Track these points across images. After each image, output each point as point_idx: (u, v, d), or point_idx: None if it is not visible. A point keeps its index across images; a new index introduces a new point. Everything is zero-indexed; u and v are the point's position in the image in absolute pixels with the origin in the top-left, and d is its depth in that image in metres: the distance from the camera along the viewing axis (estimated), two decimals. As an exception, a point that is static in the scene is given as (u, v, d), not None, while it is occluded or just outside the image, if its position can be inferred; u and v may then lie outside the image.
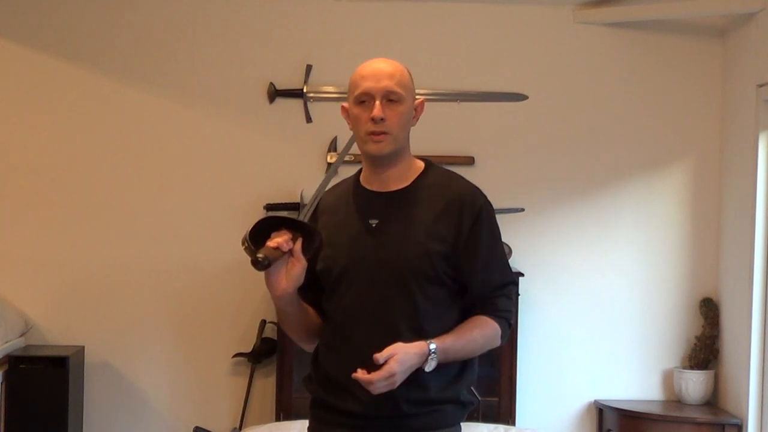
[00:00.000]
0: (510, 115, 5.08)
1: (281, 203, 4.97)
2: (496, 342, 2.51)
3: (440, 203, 2.48)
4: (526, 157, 5.09)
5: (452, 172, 2.61)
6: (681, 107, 5.12)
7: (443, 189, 2.51)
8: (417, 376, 2.37)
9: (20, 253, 5.00)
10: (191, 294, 5.03)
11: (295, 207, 4.94)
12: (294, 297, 2.42)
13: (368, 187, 2.54)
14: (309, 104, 5.02)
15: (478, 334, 2.45)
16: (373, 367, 2.31)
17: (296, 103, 5.04)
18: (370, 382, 2.29)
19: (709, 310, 5.00)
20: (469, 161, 4.95)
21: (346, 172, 2.44)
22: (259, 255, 2.29)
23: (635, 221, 5.11)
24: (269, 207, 4.97)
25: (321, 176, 4.93)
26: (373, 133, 2.45)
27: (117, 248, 5.02)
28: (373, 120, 2.44)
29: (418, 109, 2.55)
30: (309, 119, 5.03)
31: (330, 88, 5.02)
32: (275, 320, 4.82)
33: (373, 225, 2.47)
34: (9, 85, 5.04)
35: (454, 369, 2.45)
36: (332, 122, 5.03)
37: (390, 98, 2.46)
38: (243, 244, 2.35)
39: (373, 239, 2.46)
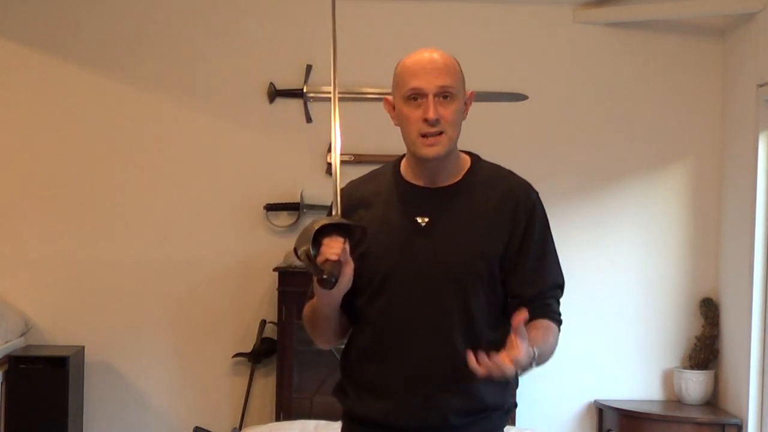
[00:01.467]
0: (510, 115, 5.08)
1: (281, 203, 4.97)
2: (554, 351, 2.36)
3: (494, 200, 2.33)
4: (526, 157, 5.07)
5: (500, 166, 2.44)
6: (681, 107, 5.12)
7: (495, 185, 2.36)
8: (462, 385, 2.26)
9: (20, 253, 5.00)
10: (191, 294, 5.03)
11: (295, 207, 4.94)
12: (339, 301, 2.27)
13: (413, 181, 2.36)
14: (309, 104, 5.02)
15: (553, 340, 2.29)
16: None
17: (296, 103, 5.04)
18: (497, 366, 2.06)
19: (709, 310, 5.00)
20: (469, 161, 4.94)
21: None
22: (325, 275, 2.14)
23: (635, 221, 5.11)
24: (269, 207, 4.97)
25: (321, 176, 4.94)
26: (427, 135, 2.27)
27: (117, 248, 5.02)
28: (428, 122, 2.25)
29: (468, 102, 2.36)
30: (309, 119, 5.03)
31: (330, 88, 5.02)
32: (275, 320, 4.82)
33: (423, 224, 2.30)
34: (9, 86, 5.04)
35: None
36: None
37: (444, 95, 2.27)
38: (302, 258, 2.17)
39: (424, 239, 2.29)
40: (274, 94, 5.02)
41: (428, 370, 2.29)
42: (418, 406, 2.30)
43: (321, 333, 2.39)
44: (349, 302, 2.33)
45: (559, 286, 2.39)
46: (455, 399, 2.29)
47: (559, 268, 2.40)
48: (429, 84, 2.27)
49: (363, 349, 2.36)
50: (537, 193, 2.39)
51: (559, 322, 2.36)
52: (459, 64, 2.35)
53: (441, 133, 2.27)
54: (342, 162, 5.09)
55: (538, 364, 2.20)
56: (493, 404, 2.34)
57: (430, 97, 2.27)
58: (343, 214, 2.30)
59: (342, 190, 2.36)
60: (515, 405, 2.44)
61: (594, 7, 5.03)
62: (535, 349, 2.15)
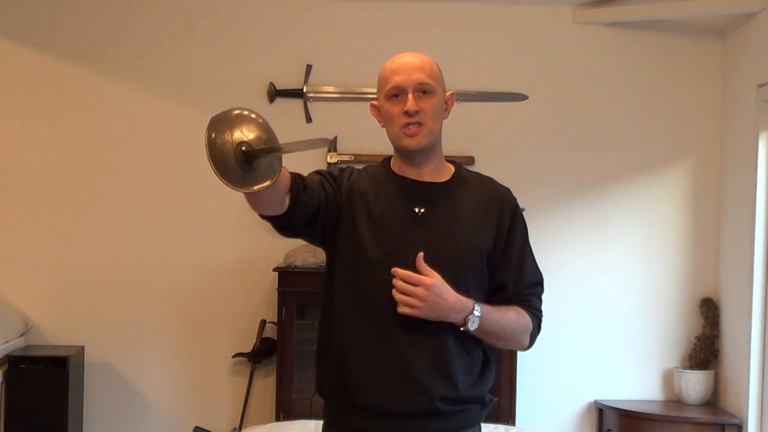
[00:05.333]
0: (510, 115, 5.09)
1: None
2: (526, 338, 2.48)
3: (482, 200, 2.47)
4: (526, 157, 5.09)
5: (481, 173, 2.60)
6: (681, 107, 5.12)
7: (482, 187, 2.51)
8: (447, 372, 2.35)
9: (20, 253, 5.00)
10: (191, 294, 5.03)
11: (295, 207, 4.95)
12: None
13: (404, 175, 2.47)
14: (309, 104, 5.02)
15: (514, 316, 2.42)
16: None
17: (296, 103, 5.04)
18: (403, 278, 2.27)
19: (709, 310, 5.00)
20: (469, 161, 4.95)
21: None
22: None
23: (635, 221, 5.11)
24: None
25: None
26: (408, 126, 2.39)
27: (117, 248, 5.02)
28: (407, 113, 2.38)
29: (449, 102, 2.50)
30: (309, 119, 5.03)
31: (330, 88, 5.02)
32: (275, 320, 4.82)
33: (419, 213, 2.41)
34: (9, 86, 5.04)
35: (477, 365, 2.43)
36: (332, 122, 5.03)
37: (423, 90, 2.41)
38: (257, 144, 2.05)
39: (421, 228, 2.40)
40: (274, 94, 5.02)
41: (417, 355, 2.35)
42: (407, 391, 2.34)
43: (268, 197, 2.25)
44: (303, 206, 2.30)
45: (538, 284, 2.52)
46: (441, 385, 2.35)
47: (537, 267, 2.54)
48: (408, 79, 2.40)
49: (353, 333, 2.39)
50: (516, 198, 2.55)
51: (535, 316, 2.49)
52: (438, 67, 2.48)
53: (421, 124, 2.41)
54: (342, 162, 5.14)
55: (485, 325, 2.35)
56: (472, 396, 2.42)
57: (410, 92, 2.40)
58: (345, 191, 2.41)
59: (347, 167, 2.53)
60: (491, 401, 2.51)
61: (594, 7, 5.03)
62: (477, 306, 2.33)
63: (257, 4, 5.07)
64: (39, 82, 5.03)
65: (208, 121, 2.04)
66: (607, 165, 5.11)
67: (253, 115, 2.10)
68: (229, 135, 2.05)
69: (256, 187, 2.07)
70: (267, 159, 2.08)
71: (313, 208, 2.35)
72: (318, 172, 2.47)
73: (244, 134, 2.06)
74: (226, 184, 2.03)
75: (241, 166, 2.04)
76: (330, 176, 2.45)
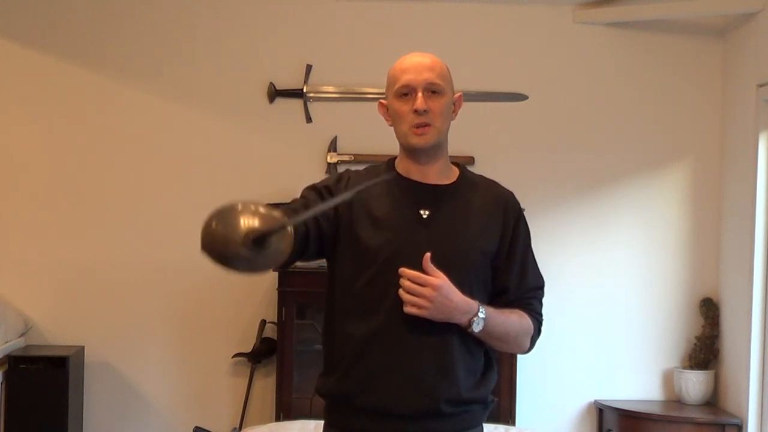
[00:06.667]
0: (510, 115, 5.09)
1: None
2: (527, 341, 2.49)
3: (487, 203, 2.47)
4: (526, 157, 5.09)
5: (484, 176, 2.61)
6: (681, 107, 5.12)
7: (486, 190, 2.51)
8: (451, 373, 2.36)
9: (20, 253, 5.00)
10: (191, 294, 5.02)
11: (295, 207, 4.94)
12: None
13: (409, 177, 2.47)
14: (309, 104, 5.02)
15: (516, 319, 2.43)
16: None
17: (296, 103, 5.04)
18: (411, 279, 2.28)
19: (709, 310, 5.00)
20: (469, 161, 4.95)
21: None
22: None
23: (635, 221, 5.11)
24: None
25: (321, 176, 4.91)
26: (417, 126, 2.40)
27: (117, 248, 5.02)
28: (417, 112, 2.39)
29: (456, 103, 2.50)
30: (309, 119, 5.03)
31: (330, 88, 5.02)
32: (275, 320, 4.82)
33: (425, 216, 2.42)
34: (9, 86, 5.04)
35: (480, 367, 2.44)
36: (332, 122, 5.03)
37: (432, 90, 2.41)
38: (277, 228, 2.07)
39: (426, 230, 2.40)
40: (274, 94, 5.02)
41: (421, 356, 2.35)
42: (411, 392, 2.35)
43: None
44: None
45: (540, 287, 2.54)
46: (445, 387, 2.36)
47: (539, 270, 2.54)
48: (418, 78, 2.41)
49: (357, 335, 2.39)
50: (519, 202, 2.56)
51: (536, 320, 2.50)
52: (447, 68, 2.49)
53: (429, 124, 2.41)
54: (342, 162, 5.15)
55: (489, 327, 2.36)
56: (475, 397, 2.42)
57: (419, 91, 2.40)
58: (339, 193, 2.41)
59: (344, 172, 2.53)
60: (493, 401, 2.51)
61: (594, 7, 5.03)
62: (482, 308, 2.34)
63: (257, 4, 5.07)
64: (39, 83, 5.03)
65: (208, 202, 2.11)
66: (607, 165, 5.11)
67: (251, 206, 2.13)
68: (234, 233, 2.07)
69: (272, 267, 2.24)
70: (276, 237, 2.10)
71: (316, 246, 2.41)
72: (314, 188, 2.48)
73: (248, 224, 2.08)
74: (246, 274, 2.18)
75: (253, 250, 2.06)
76: (326, 190, 2.46)
